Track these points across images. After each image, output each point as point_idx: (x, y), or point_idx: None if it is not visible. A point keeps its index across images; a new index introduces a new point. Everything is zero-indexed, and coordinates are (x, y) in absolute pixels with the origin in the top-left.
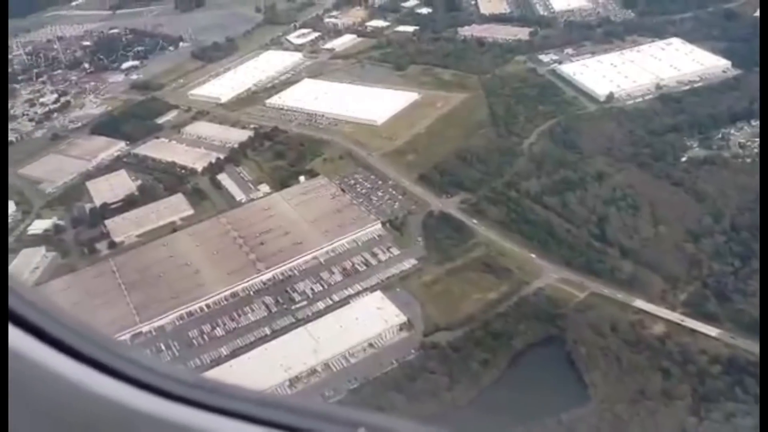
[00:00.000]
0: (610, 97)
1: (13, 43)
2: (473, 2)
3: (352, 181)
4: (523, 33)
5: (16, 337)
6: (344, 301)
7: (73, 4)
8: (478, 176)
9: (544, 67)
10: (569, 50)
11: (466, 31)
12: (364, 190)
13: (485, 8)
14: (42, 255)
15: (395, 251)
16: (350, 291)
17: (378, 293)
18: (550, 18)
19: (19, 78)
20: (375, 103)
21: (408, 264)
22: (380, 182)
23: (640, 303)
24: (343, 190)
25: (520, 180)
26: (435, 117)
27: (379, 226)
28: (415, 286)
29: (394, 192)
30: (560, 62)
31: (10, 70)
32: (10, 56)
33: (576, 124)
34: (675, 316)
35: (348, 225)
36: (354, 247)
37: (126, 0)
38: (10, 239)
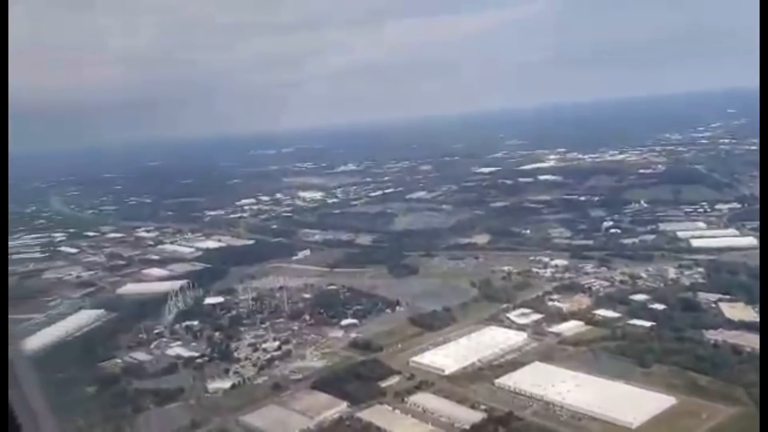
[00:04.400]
0: None
1: (240, 287)
2: (713, 305)
3: None
4: None
5: None
6: None
7: (294, 258)
8: None
9: None
10: None
11: (713, 335)
12: None
13: (730, 313)
14: None
15: None
16: None
17: None
18: None
19: (244, 321)
20: (623, 402)
21: None
22: None
23: None
24: None
25: None
26: (702, 430)
27: None
28: None
29: None
30: None
31: (234, 313)
32: (236, 300)
33: None
34: None
35: None
36: None
37: (342, 260)
38: None
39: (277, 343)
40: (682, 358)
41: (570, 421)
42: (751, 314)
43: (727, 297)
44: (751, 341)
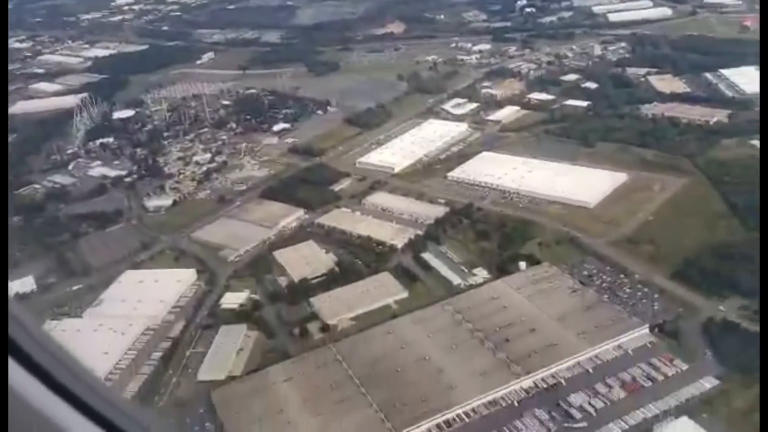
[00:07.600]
0: None
1: (148, 98)
2: (642, 79)
3: (585, 272)
4: (720, 115)
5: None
6: (644, 425)
7: (198, 62)
8: (752, 278)
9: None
10: None
11: (649, 110)
12: (604, 285)
13: (660, 86)
14: (244, 334)
15: (682, 365)
16: (645, 413)
17: (685, 420)
18: (745, 100)
19: (165, 135)
20: (578, 182)
21: (707, 383)
22: (621, 276)
23: None
24: (582, 283)
25: None
26: (658, 202)
27: (647, 331)
28: (726, 413)
29: (645, 289)
30: None
31: (151, 126)
32: (148, 113)
33: None
34: None
35: (606, 327)
36: (623, 356)
37: (253, 61)
38: (203, 312)
39: (209, 155)
40: (624, 135)
41: (530, 206)
42: (681, 86)
43: (655, 70)
44: (686, 112)
